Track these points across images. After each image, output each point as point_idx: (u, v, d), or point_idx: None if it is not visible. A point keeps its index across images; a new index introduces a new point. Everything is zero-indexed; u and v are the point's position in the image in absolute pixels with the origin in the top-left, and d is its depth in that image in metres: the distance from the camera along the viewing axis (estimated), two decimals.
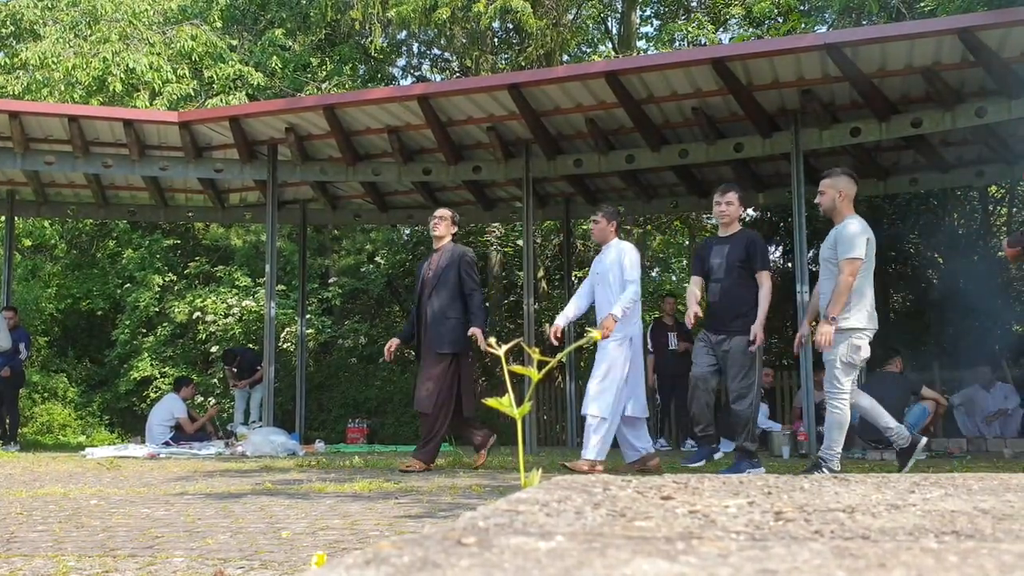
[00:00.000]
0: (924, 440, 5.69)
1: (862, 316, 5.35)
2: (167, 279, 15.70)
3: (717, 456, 6.23)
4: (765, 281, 5.88)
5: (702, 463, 5.99)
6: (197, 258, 16.41)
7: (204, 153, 10.54)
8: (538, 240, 15.23)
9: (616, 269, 6.07)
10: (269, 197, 10.40)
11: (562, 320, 6.26)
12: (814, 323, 5.72)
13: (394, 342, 6.84)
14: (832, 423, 5.39)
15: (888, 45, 7.86)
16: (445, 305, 6.52)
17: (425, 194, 11.90)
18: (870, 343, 5.43)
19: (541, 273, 15.57)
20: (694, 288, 6.24)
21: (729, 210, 6.03)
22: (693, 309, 6.06)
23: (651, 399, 11.62)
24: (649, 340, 11.18)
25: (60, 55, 15.18)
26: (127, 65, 14.92)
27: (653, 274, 17.83)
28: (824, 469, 5.26)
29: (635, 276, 6.02)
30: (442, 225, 6.76)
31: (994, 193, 14.57)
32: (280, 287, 14.03)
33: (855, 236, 5.32)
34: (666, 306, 11.37)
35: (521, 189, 10.42)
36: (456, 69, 18.06)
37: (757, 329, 5.82)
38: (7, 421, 10.75)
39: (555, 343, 6.01)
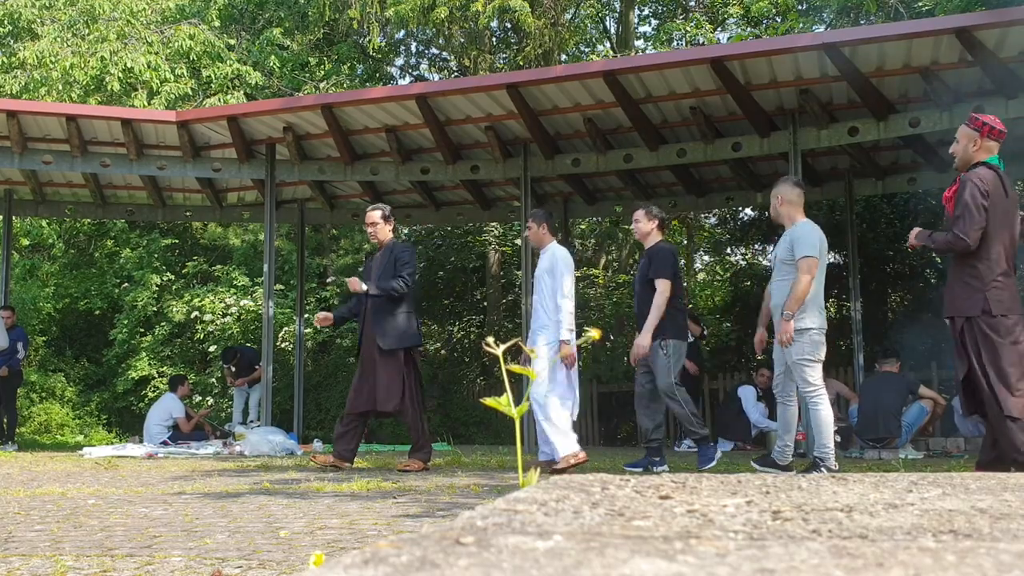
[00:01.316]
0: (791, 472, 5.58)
1: (815, 315, 5.49)
2: (165, 278, 15.69)
3: (660, 469, 6.15)
4: (658, 287, 6.13)
5: (639, 470, 6.05)
6: (195, 257, 16.40)
7: (202, 152, 10.53)
8: None
9: (547, 278, 6.09)
10: (267, 196, 10.38)
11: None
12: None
13: (328, 317, 6.56)
14: (818, 422, 5.42)
15: (886, 44, 7.86)
16: (389, 301, 6.28)
17: (423, 193, 11.89)
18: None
19: None
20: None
21: (636, 227, 6.45)
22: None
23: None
24: None
25: (58, 54, 15.17)
26: (125, 64, 14.91)
27: None
28: (822, 468, 5.27)
29: (567, 290, 5.99)
30: (378, 229, 6.45)
31: None
32: (278, 286, 14.01)
33: (808, 235, 5.52)
34: None
35: (519, 188, 10.42)
36: (454, 68, 18.06)
37: (640, 339, 6.09)
38: (5, 420, 10.73)
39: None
